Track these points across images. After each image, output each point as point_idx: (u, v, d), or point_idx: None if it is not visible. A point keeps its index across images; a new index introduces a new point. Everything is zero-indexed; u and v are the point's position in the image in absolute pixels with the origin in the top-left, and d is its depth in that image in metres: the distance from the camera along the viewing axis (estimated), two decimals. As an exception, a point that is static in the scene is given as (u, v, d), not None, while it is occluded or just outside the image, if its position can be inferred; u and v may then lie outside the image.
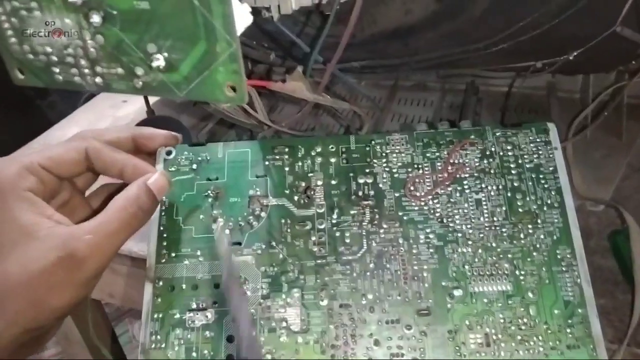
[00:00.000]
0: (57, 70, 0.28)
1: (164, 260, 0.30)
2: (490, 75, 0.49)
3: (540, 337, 0.27)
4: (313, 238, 0.30)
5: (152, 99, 0.53)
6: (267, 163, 0.32)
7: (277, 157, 0.32)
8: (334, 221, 0.31)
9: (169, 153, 0.32)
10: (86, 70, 0.28)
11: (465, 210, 0.30)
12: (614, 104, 0.45)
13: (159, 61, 0.26)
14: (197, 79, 0.25)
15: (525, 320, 0.28)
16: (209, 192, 0.32)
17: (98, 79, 0.28)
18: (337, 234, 0.30)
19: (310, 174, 0.32)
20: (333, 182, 0.32)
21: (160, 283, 0.30)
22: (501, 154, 0.31)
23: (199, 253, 0.30)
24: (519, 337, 0.27)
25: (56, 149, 0.28)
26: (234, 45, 0.24)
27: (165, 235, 0.31)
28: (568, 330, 0.27)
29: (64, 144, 0.29)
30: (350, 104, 0.41)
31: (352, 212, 0.31)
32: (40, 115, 0.92)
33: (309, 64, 0.33)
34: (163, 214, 0.31)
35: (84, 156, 0.29)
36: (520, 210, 0.30)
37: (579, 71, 0.46)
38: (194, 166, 0.32)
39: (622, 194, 0.41)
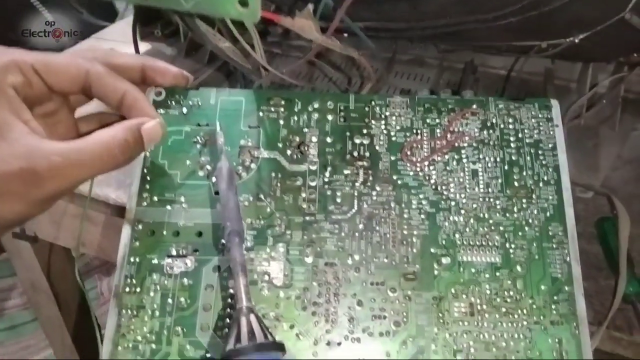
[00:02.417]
0: None
1: (145, 204, 0.29)
2: (490, 54, 0.49)
3: (524, 311, 0.27)
4: (303, 194, 0.29)
5: (142, 49, 0.51)
6: (261, 114, 0.31)
7: (273, 109, 0.31)
8: (326, 179, 0.30)
9: (158, 94, 0.31)
10: None
11: (461, 180, 0.30)
12: (610, 95, 0.45)
13: None
14: (208, -11, 0.23)
15: (511, 293, 0.27)
16: (198, 138, 0.30)
17: None
18: (329, 192, 0.29)
19: (306, 130, 0.31)
20: (328, 139, 0.31)
21: (140, 226, 0.28)
22: (502, 126, 0.31)
23: (182, 199, 0.29)
24: (504, 310, 0.27)
25: (57, 58, 0.26)
26: None
27: (148, 178, 0.29)
28: (553, 307, 0.27)
29: (67, 57, 0.27)
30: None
31: (345, 171, 0.30)
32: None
33: (321, 4, 0.31)
34: (148, 155, 0.30)
35: (83, 77, 0.27)
36: (516, 184, 0.29)
37: (580, 57, 0.45)
38: (184, 110, 0.31)
39: (610, 184, 0.40)
